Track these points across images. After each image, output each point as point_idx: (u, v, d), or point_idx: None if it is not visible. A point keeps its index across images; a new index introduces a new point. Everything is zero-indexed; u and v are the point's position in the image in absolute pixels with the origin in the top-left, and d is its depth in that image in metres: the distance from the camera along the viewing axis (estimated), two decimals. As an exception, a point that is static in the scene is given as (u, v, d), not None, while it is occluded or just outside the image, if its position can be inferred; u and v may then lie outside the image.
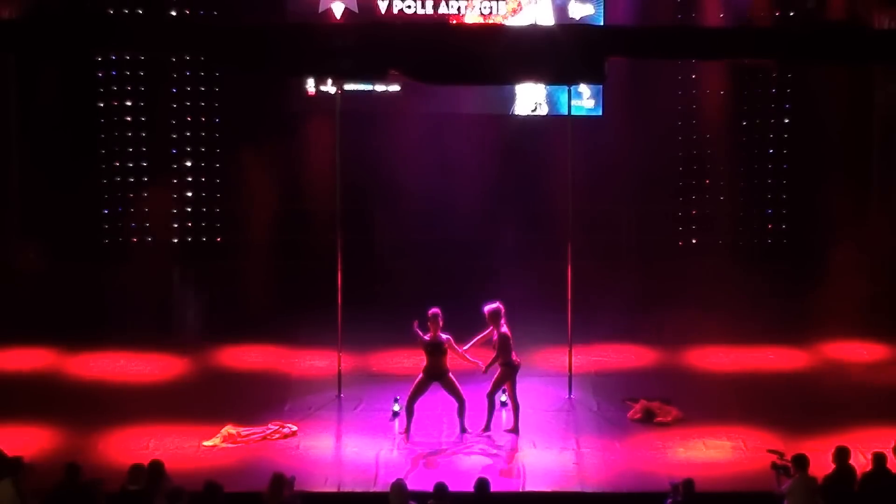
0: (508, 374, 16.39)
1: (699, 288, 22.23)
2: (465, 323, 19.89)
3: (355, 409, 17.32)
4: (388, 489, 13.09)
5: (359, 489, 14.81)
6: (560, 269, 18.18)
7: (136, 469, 13.23)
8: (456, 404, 16.43)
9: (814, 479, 13.21)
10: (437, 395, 16.81)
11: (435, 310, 16.52)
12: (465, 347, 16.56)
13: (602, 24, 23.40)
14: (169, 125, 24.49)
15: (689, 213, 24.91)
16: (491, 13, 23.59)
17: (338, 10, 23.57)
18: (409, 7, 23.63)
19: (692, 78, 24.54)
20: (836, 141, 23.68)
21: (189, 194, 24.68)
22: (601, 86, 22.76)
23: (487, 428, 16.39)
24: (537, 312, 19.60)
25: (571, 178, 17.91)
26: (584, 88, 23.67)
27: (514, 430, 16.41)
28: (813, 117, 24.06)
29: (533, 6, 23.60)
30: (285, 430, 16.41)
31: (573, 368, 18.00)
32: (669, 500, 13.14)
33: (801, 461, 13.24)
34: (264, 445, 16.08)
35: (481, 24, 23.23)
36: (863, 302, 21.12)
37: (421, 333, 16.30)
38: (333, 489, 14.83)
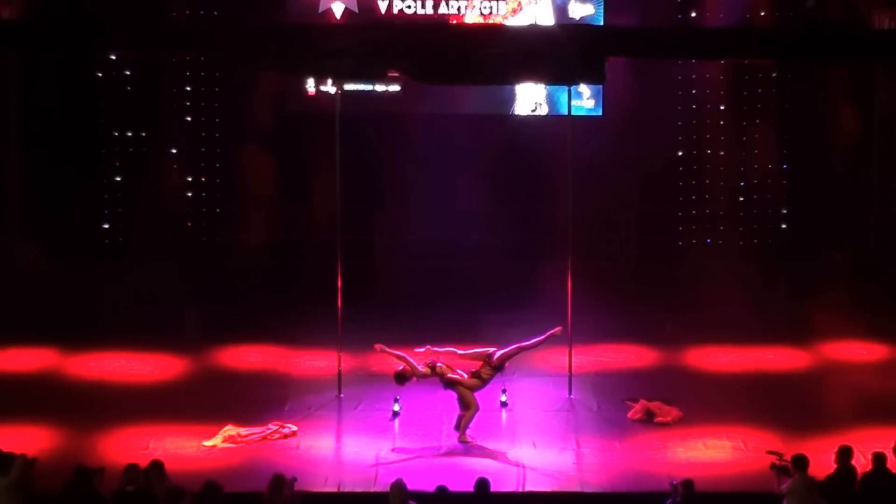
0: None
1: (699, 288, 22.21)
2: (465, 323, 20.02)
3: (355, 409, 17.32)
4: (388, 489, 13.08)
5: (359, 489, 14.80)
6: (560, 269, 18.17)
7: (132, 469, 13.21)
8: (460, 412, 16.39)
9: (813, 479, 13.21)
10: (437, 395, 16.81)
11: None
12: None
13: (602, 24, 23.41)
14: (169, 125, 24.50)
15: (689, 213, 24.91)
16: (491, 13, 23.59)
17: (338, 10, 23.58)
18: (409, 7, 23.63)
19: (692, 78, 24.54)
20: (836, 141, 23.66)
21: (189, 194, 24.69)
22: (601, 86, 22.75)
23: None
24: (537, 312, 19.59)
25: (571, 178, 17.91)
26: (584, 88, 23.68)
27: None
28: (813, 117, 24.06)
29: (533, 6, 23.61)
30: (285, 430, 16.40)
31: (573, 368, 18.00)
32: (669, 501, 13.14)
33: (800, 461, 13.24)
34: (264, 445, 16.08)
35: (481, 24, 23.23)
36: (863, 302, 21.13)
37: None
38: (333, 489, 14.82)
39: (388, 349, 16.48)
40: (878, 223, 24.00)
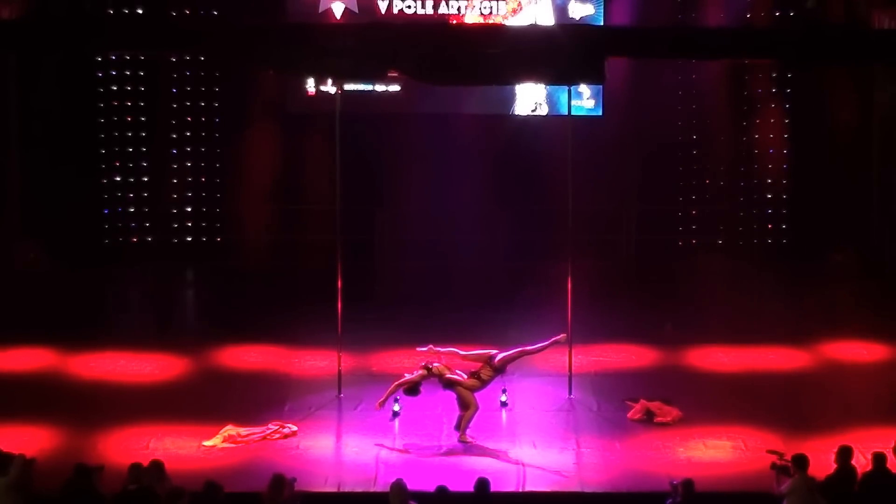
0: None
1: (699, 288, 22.22)
2: (465, 323, 20.01)
3: (355, 409, 17.32)
4: (388, 489, 13.09)
5: (359, 489, 14.79)
6: (560, 269, 18.16)
7: (135, 468, 13.23)
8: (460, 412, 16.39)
9: (813, 479, 13.21)
10: (437, 396, 16.81)
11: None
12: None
13: (602, 24, 23.41)
14: (169, 125, 24.50)
15: (689, 213, 24.91)
16: (491, 13, 23.59)
17: (338, 10, 23.57)
18: (409, 7, 23.63)
19: (692, 78, 24.53)
20: (837, 141, 23.67)
21: (189, 194, 24.69)
22: (601, 86, 22.75)
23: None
24: (537, 312, 19.60)
25: (571, 178, 17.91)
26: (584, 88, 23.68)
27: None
28: (813, 117, 24.06)
29: (533, 6, 23.61)
30: (285, 430, 16.40)
31: (573, 368, 18.00)
32: (669, 501, 13.14)
33: (800, 461, 13.24)
34: (264, 445, 16.08)
35: (481, 24, 23.23)
36: (863, 302, 21.12)
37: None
38: (333, 489, 14.82)
39: (382, 398, 16.44)
40: (878, 223, 24.00)
